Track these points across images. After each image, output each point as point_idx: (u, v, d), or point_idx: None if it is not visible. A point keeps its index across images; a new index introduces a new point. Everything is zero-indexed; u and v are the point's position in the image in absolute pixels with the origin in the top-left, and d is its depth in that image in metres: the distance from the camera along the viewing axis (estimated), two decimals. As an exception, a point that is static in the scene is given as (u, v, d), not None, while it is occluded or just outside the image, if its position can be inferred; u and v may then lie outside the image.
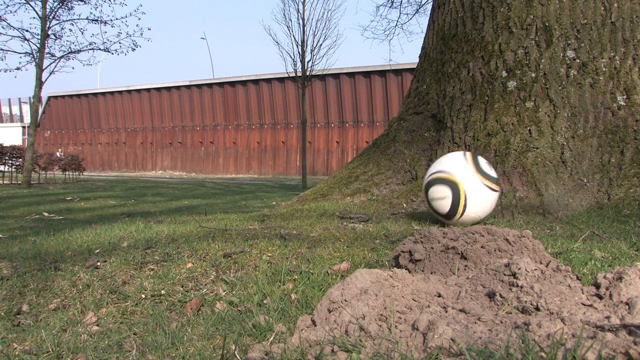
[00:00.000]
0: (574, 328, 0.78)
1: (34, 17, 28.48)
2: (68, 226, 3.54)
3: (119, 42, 14.70)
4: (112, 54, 14.89)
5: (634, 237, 1.87)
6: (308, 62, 16.44)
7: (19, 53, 13.82)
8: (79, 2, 14.14)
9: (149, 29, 17.18)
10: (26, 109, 38.50)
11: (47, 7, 13.41)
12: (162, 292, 1.39)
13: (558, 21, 2.88)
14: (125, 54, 23.72)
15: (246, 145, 28.42)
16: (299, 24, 16.64)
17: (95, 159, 33.58)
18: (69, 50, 14.37)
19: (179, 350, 0.99)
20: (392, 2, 10.96)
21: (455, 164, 2.08)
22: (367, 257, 1.66)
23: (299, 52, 16.66)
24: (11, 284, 1.54)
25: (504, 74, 2.92)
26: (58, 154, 29.03)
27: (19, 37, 13.67)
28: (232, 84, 27.99)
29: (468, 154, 2.17)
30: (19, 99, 41.13)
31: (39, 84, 13.42)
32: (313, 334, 0.90)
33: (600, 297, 0.93)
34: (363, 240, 1.96)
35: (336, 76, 23.94)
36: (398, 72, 21.65)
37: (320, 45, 16.91)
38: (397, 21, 13.82)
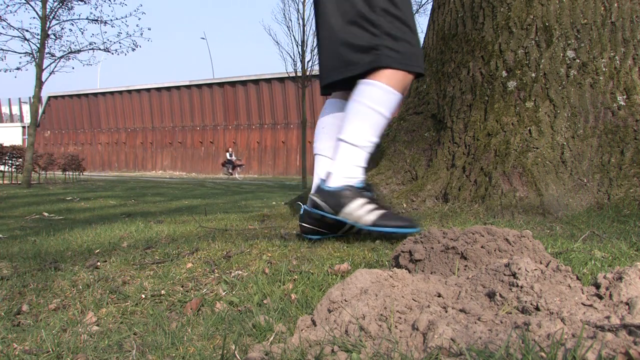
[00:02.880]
0: (574, 328, 0.78)
1: (34, 17, 28.51)
2: (68, 226, 3.54)
3: (119, 42, 14.73)
4: (112, 54, 14.92)
5: (634, 237, 1.87)
6: (308, 62, 16.45)
7: (19, 53, 13.83)
8: (79, 2, 14.15)
9: (149, 29, 17.21)
10: (26, 109, 38.53)
11: (47, 7, 13.42)
12: (162, 292, 1.39)
13: (558, 21, 2.88)
14: (125, 54, 23.73)
15: (246, 145, 28.42)
16: (299, 23, 16.67)
17: (95, 159, 33.59)
18: (69, 50, 14.39)
19: (179, 350, 0.99)
20: (392, 2, 10.95)
21: None
22: (367, 257, 1.66)
23: (299, 52, 16.67)
24: (11, 284, 1.54)
25: (504, 74, 2.92)
26: (228, 154, 26.91)
27: (19, 37, 13.69)
28: (232, 84, 27.99)
29: None
30: (19, 99, 41.17)
31: (39, 84, 13.43)
32: (313, 334, 0.90)
33: (600, 297, 0.93)
34: (363, 240, 1.96)
35: (336, 76, 23.85)
36: (398, 72, 21.58)
37: (321, 45, 16.87)
38: (397, 21, 13.80)
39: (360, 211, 1.82)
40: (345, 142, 1.84)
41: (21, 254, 2.10)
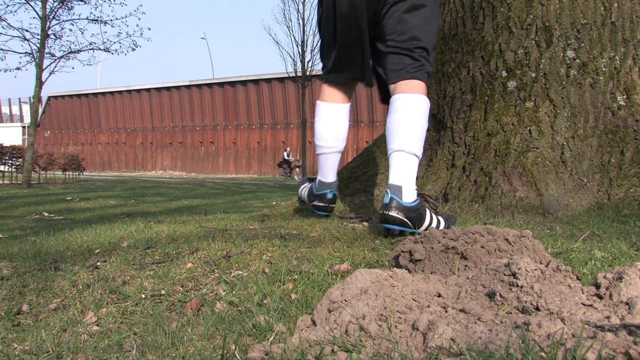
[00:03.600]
0: (574, 328, 0.78)
1: (34, 17, 28.49)
2: (68, 226, 3.54)
3: (119, 42, 14.72)
4: (112, 54, 14.91)
5: (634, 237, 1.87)
6: (308, 62, 16.46)
7: (19, 53, 13.83)
8: (79, 2, 14.15)
9: (149, 29, 17.19)
10: (26, 109, 38.52)
11: (47, 7, 13.42)
12: (162, 292, 1.39)
13: (558, 21, 2.88)
14: (125, 54, 23.71)
15: (246, 145, 28.41)
16: (299, 24, 16.66)
17: (95, 159, 33.59)
18: (69, 50, 14.39)
19: (179, 350, 0.99)
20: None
21: None
22: (367, 257, 1.66)
23: (299, 52, 16.67)
24: (11, 284, 1.54)
25: (504, 74, 2.92)
26: (285, 154, 25.02)
27: (19, 37, 13.69)
28: (232, 84, 27.96)
29: None
30: (19, 99, 41.15)
31: (39, 84, 13.43)
32: (313, 334, 0.90)
33: (600, 297, 0.93)
34: (363, 240, 1.96)
35: (336, 76, 23.79)
36: (398, 72, 21.57)
37: (321, 45, 16.86)
38: (397, 21, 13.81)
39: (434, 224, 1.94)
40: (408, 153, 1.90)
41: (21, 254, 2.10)
